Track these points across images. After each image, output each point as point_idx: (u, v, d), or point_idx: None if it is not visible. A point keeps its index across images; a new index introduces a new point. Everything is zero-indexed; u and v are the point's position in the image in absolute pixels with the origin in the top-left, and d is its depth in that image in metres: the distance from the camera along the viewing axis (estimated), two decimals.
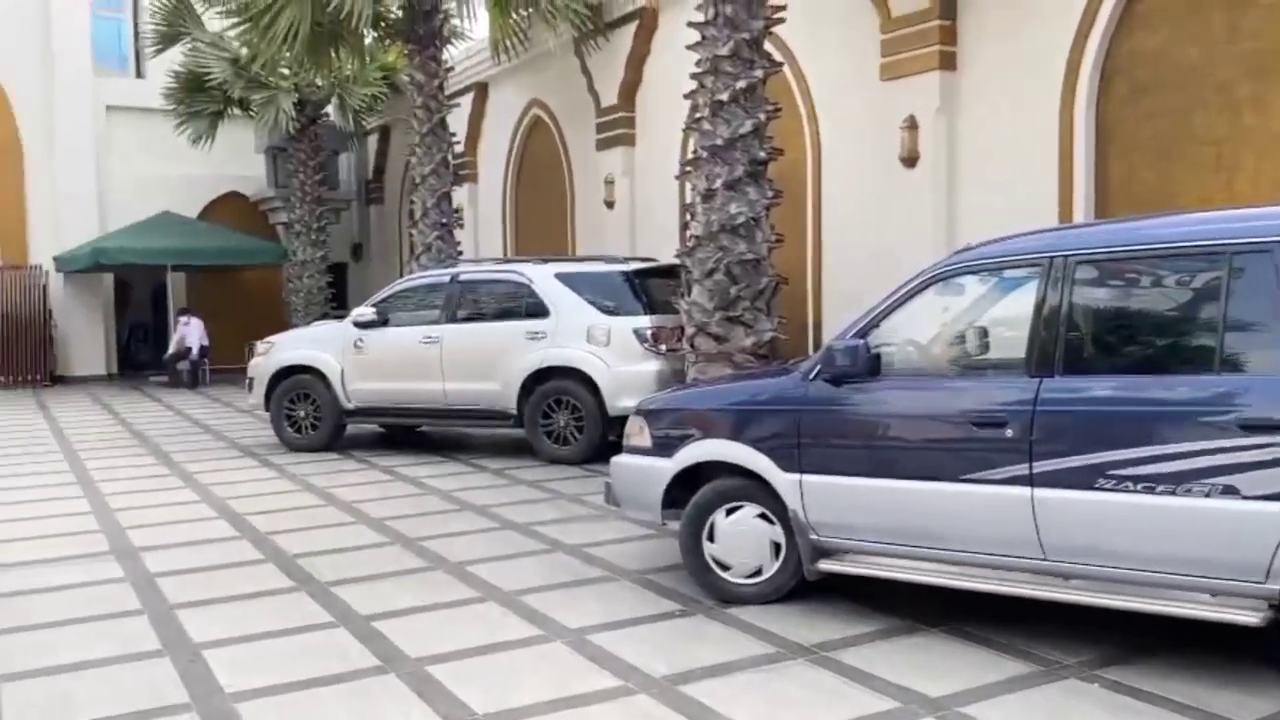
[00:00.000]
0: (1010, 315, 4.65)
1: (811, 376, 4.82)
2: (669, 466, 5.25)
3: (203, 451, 10.68)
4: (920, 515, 4.49)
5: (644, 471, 5.41)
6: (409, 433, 11.10)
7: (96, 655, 4.61)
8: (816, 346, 9.87)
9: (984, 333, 4.80)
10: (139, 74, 20.98)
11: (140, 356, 20.60)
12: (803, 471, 4.78)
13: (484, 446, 10.54)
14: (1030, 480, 4.13)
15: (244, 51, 16.23)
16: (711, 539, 5.11)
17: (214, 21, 16.42)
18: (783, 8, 8.23)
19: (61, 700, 4.12)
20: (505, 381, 9.55)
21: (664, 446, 5.32)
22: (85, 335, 19.48)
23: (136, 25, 21.69)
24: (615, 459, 5.69)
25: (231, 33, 15.41)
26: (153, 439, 11.68)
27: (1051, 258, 4.30)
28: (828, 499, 4.73)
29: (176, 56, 18.00)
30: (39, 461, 10.25)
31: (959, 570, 4.47)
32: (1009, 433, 4.18)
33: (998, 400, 4.31)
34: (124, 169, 19.62)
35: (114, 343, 20.14)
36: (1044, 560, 4.17)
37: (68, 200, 18.91)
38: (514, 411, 9.59)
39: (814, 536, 4.79)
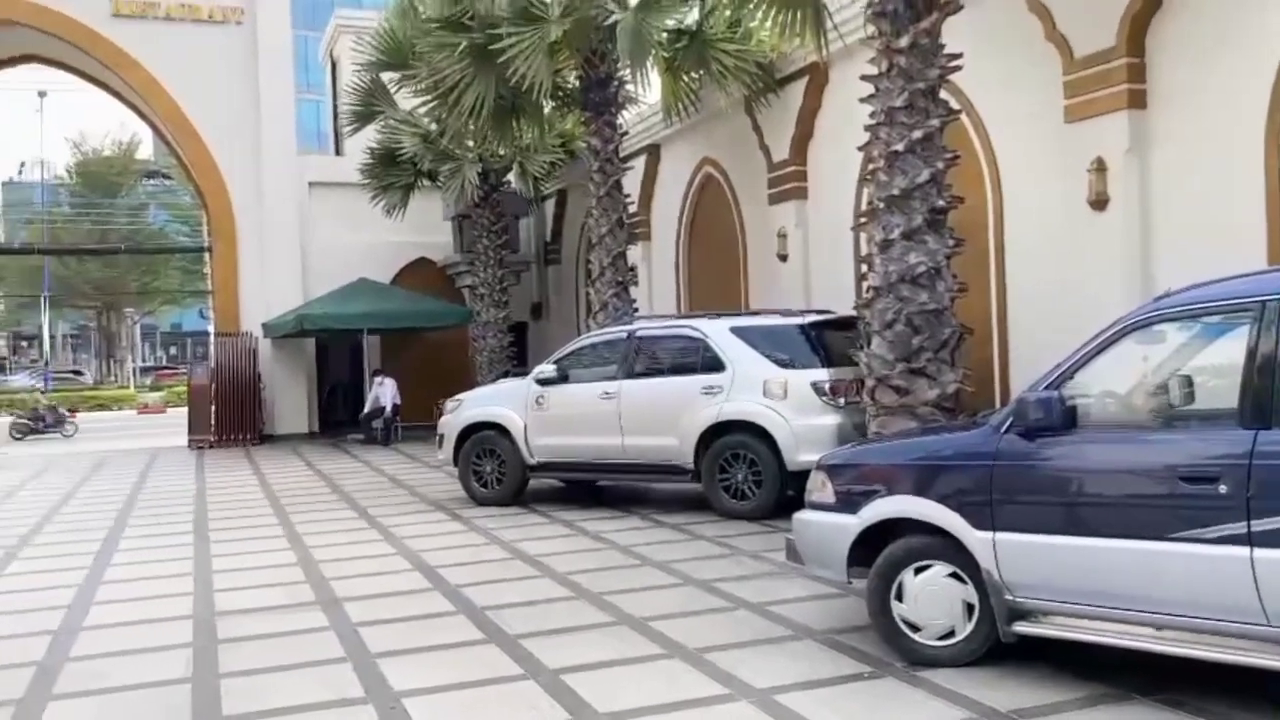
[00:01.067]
0: (1218, 364, 4.39)
1: (1003, 430, 4.67)
2: (853, 523, 5.17)
3: (397, 506, 11.20)
4: (1124, 576, 4.25)
5: (827, 528, 5.34)
6: (589, 487, 11.32)
7: (307, 700, 4.88)
8: (1004, 399, 9.52)
9: (1189, 382, 4.53)
10: (338, 151, 22.56)
11: (339, 415, 21.84)
12: (996, 529, 4.61)
13: (662, 501, 10.63)
14: (1249, 540, 3.85)
15: (433, 126, 17.25)
16: (900, 598, 4.98)
17: (406, 100, 17.53)
18: (958, 55, 8.11)
19: None
20: (682, 436, 9.63)
21: (848, 503, 5.25)
22: (290, 396, 20.84)
23: (335, 106, 23.41)
24: (797, 515, 5.65)
25: (422, 110, 16.41)
26: (351, 494, 12.33)
27: (1264, 302, 4.05)
28: (1023, 558, 4.55)
29: (371, 134, 19.31)
30: (251, 515, 10.99)
31: (1169, 636, 4.20)
32: (1222, 489, 3.93)
33: (1208, 454, 4.06)
34: (324, 240, 21.03)
35: (315, 402, 21.45)
36: (1267, 626, 3.87)
37: (275, 270, 20.39)
38: (691, 466, 9.64)
39: (1009, 597, 4.60)
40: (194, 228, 49.09)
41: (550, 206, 22.01)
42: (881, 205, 8.03)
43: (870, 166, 8.32)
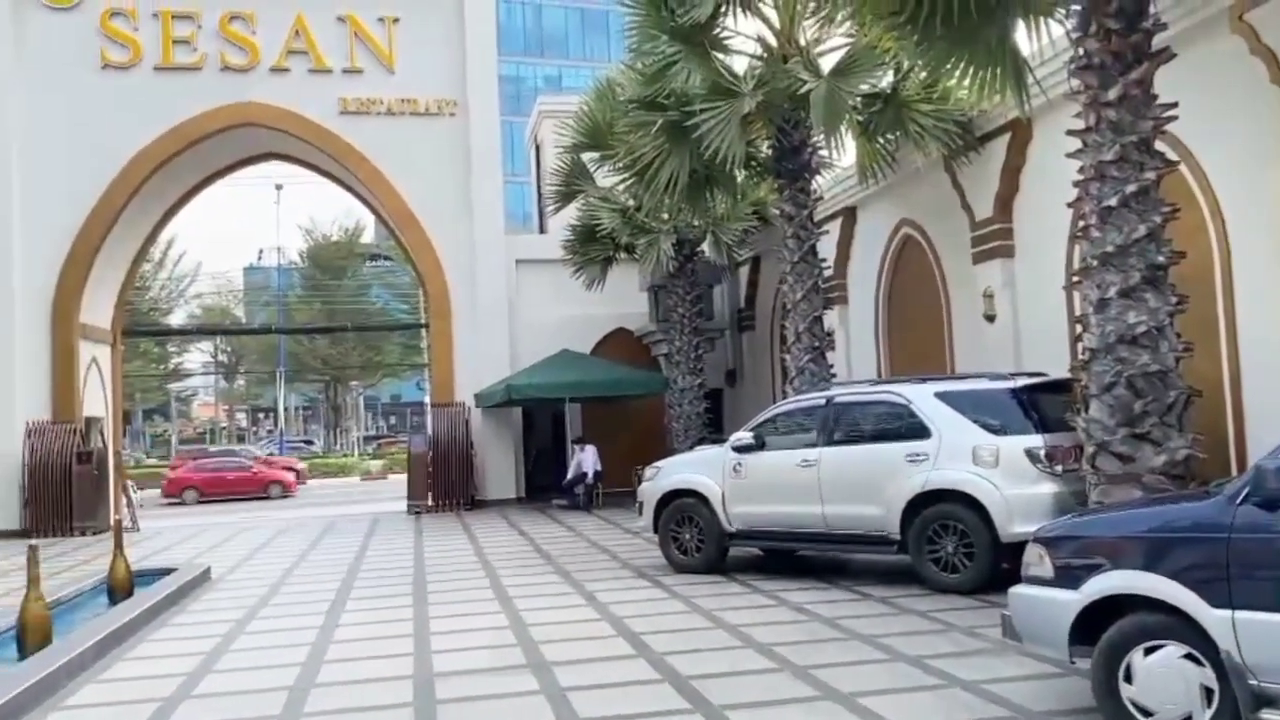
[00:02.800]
0: None
1: (1239, 500, 4.34)
2: (1075, 599, 4.89)
3: (600, 571, 11.40)
4: None
5: (1046, 604, 5.08)
6: (790, 556, 11.17)
7: None
8: (1240, 466, 8.80)
9: None
10: (541, 230, 23.66)
11: (543, 480, 22.51)
12: (1235, 607, 4.27)
13: (866, 572, 10.36)
14: None
15: (630, 202, 17.84)
16: (1129, 680, 4.66)
17: (604, 178, 18.23)
18: (1174, 105, 7.72)
19: None
20: (886, 505, 9.39)
21: (1068, 577, 4.98)
22: (499, 462, 21.69)
23: (539, 187, 24.56)
24: (1013, 590, 5.40)
25: (619, 187, 17.01)
26: (557, 558, 12.65)
27: None
28: (1267, 638, 4.18)
29: (572, 212, 20.16)
30: (465, 577, 11.44)
31: None
32: None
33: None
34: (529, 313, 21.96)
35: (522, 468, 22.23)
36: None
37: (485, 343, 21.42)
38: (896, 536, 9.37)
39: (1253, 681, 4.23)
40: (413, 305, 52.24)
41: (744, 273, 22.19)
42: (1095, 263, 7.68)
43: (1081, 223, 7.99)
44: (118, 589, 10.72)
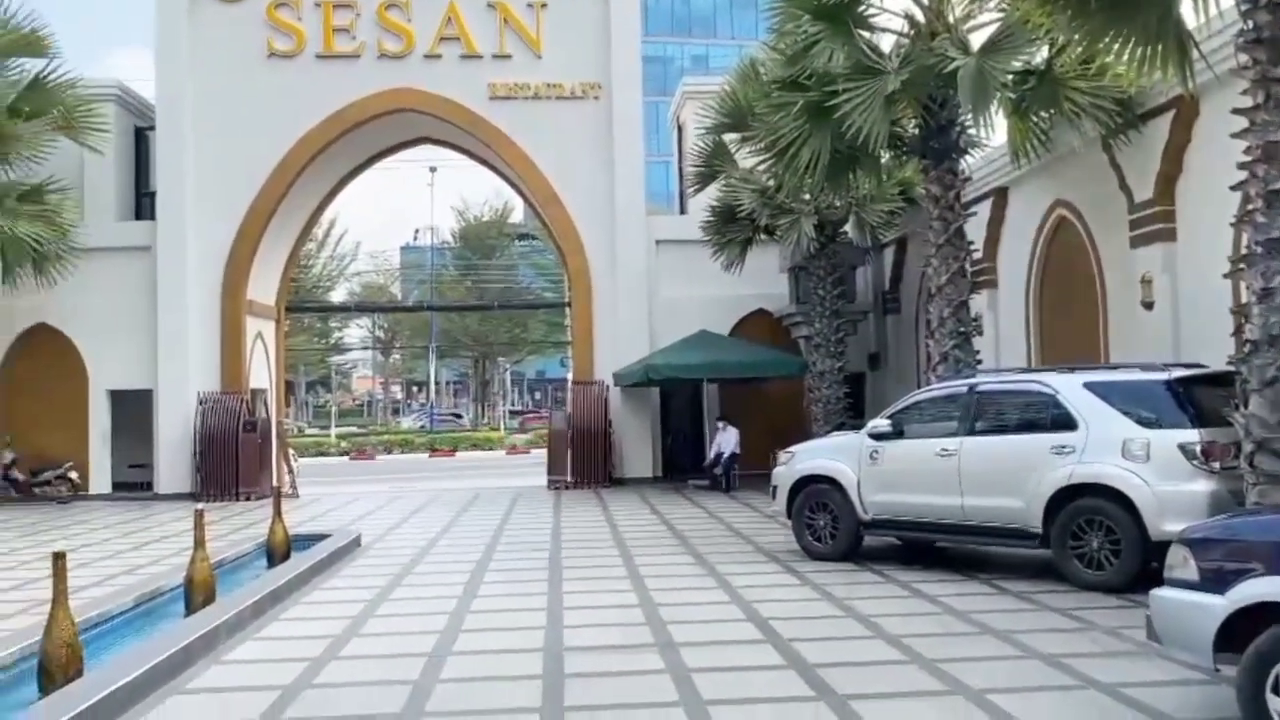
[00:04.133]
0: None
1: None
2: (1220, 605, 4.66)
3: (733, 554, 11.44)
4: None
5: (1190, 608, 4.86)
6: (927, 547, 10.94)
7: None
8: None
9: None
10: (682, 210, 23.68)
11: (680, 461, 22.66)
12: None
13: (1006, 566, 10.06)
14: None
15: (770, 183, 17.67)
16: (1277, 692, 4.42)
17: (745, 159, 18.12)
18: None
19: None
20: (1028, 498, 9.09)
21: (1215, 581, 4.75)
22: (636, 441, 21.95)
23: (680, 168, 24.62)
24: (1155, 592, 5.17)
25: (760, 167, 16.87)
26: (690, 539, 12.76)
27: None
28: None
29: (713, 192, 20.12)
30: (600, 555, 11.67)
31: None
32: None
33: None
34: (668, 294, 22.08)
35: (659, 448, 22.43)
36: None
37: (625, 324, 21.67)
38: (1038, 530, 9.06)
39: None
40: (557, 284, 53.25)
41: (889, 255, 21.72)
42: (1260, 250, 7.22)
43: (1247, 207, 7.52)
44: (276, 552, 11.40)
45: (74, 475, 20.23)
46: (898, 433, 10.35)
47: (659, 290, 22.12)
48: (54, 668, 6.28)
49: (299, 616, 8.62)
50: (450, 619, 8.29)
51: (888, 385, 21.07)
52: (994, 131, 13.65)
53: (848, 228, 19.18)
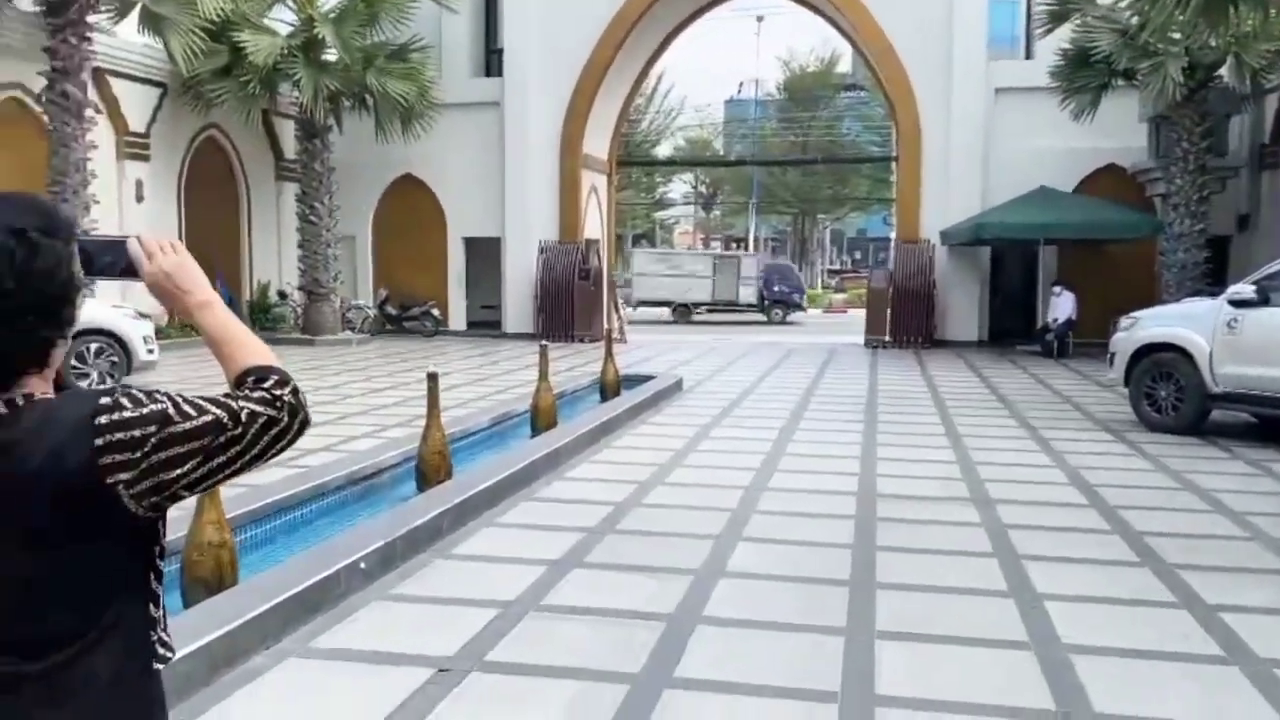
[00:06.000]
0: None
1: None
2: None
3: (1060, 420, 10.98)
4: None
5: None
6: None
7: (949, 583, 5.23)
8: None
9: None
10: (1028, 55, 21.87)
11: (1007, 325, 21.65)
12: None
13: None
14: None
15: (1134, 21, 15.90)
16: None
17: None
18: None
19: (924, 617, 4.79)
20: None
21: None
22: (961, 303, 21.19)
23: (1029, 7, 22.61)
24: None
25: (1122, 4, 15.20)
26: (1014, 403, 12.35)
27: None
28: None
29: (1063, 34, 18.37)
30: (917, 413, 11.60)
31: None
32: None
33: None
34: (1006, 147, 20.69)
35: (986, 311, 21.53)
36: None
37: (956, 179, 20.68)
38: None
39: None
40: (883, 138, 51.31)
41: (1271, 102, 19.01)
42: None
43: None
44: (607, 389, 12.31)
45: (436, 312, 22.59)
46: (1263, 300, 9.36)
47: (995, 143, 20.81)
48: (428, 470, 7.29)
49: (628, 445, 9.34)
50: (766, 459, 8.66)
51: (1257, 250, 18.78)
52: None
53: (1223, 71, 16.94)
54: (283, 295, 21.81)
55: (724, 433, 10.11)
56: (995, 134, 20.83)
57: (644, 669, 4.12)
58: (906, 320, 20.78)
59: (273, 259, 22.26)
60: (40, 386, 1.38)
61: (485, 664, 4.17)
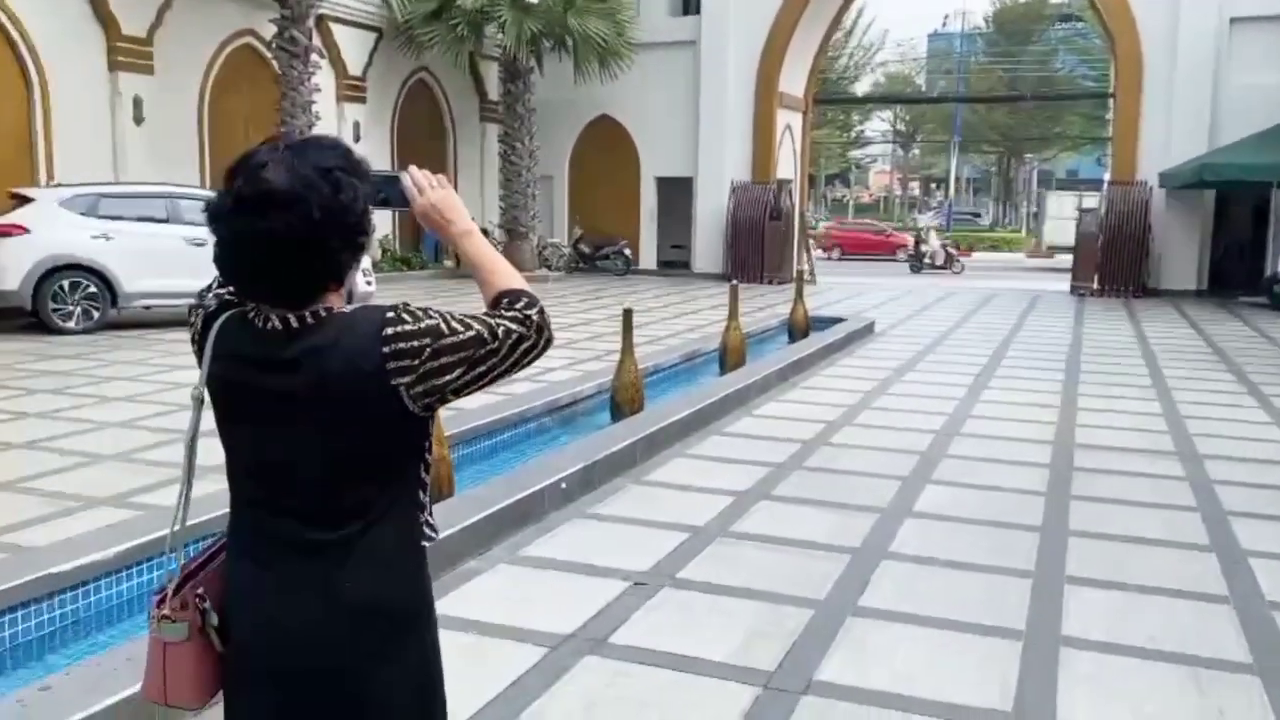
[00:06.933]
0: None
1: None
2: None
3: None
4: None
5: None
6: None
7: (1147, 535, 5.12)
8: None
9: None
10: None
11: (1231, 275, 20.16)
12: None
13: None
14: None
15: None
16: None
17: None
18: None
19: (1118, 565, 4.72)
20: None
21: None
22: (1179, 250, 19.86)
23: None
24: None
25: None
26: (1232, 357, 11.62)
27: None
28: None
29: None
30: (1123, 363, 11.09)
31: None
32: None
33: None
34: (1240, 81, 19.06)
35: (1207, 259, 20.11)
36: None
37: (1180, 116, 19.27)
38: None
39: None
40: (1100, 73, 48.06)
41: None
42: None
43: None
44: (796, 329, 12.36)
45: (627, 251, 23.05)
46: None
47: (1227, 77, 19.22)
48: (622, 401, 7.63)
49: (816, 386, 9.41)
50: (959, 405, 8.55)
51: None
52: None
53: None
54: (485, 233, 22.75)
55: (916, 377, 10.01)
56: (1227, 66, 19.23)
57: (828, 596, 4.28)
58: (1117, 266, 19.70)
59: (476, 198, 23.23)
60: (337, 301, 1.65)
61: (676, 580, 4.43)
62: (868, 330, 13.21)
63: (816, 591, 4.31)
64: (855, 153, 70.99)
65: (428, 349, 1.57)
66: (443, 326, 1.59)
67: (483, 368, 1.61)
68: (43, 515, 4.93)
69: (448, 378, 1.60)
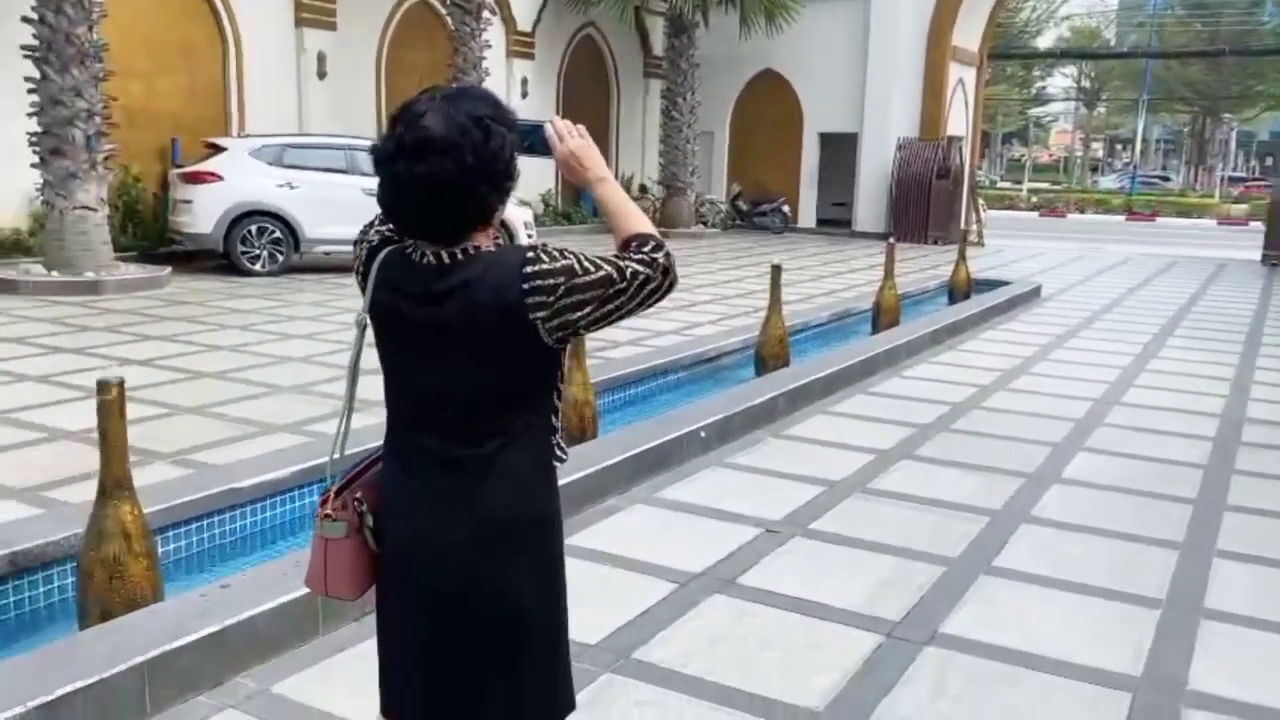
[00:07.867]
0: None
1: None
2: None
3: None
4: None
5: None
6: None
7: None
8: None
9: None
10: None
11: None
12: None
13: None
14: None
15: None
16: None
17: None
18: None
19: (1273, 541, 4.52)
20: None
21: None
22: None
23: None
24: None
25: None
26: None
27: None
28: None
29: None
30: None
31: None
32: None
33: None
34: None
35: None
36: None
37: None
38: None
39: None
40: None
41: None
42: None
43: None
44: (957, 291, 12.07)
45: (786, 209, 22.81)
46: None
47: None
48: (768, 355, 7.68)
49: (973, 350, 9.20)
50: (1123, 373, 8.22)
51: None
52: None
53: None
54: (644, 189, 22.98)
55: (1080, 344, 9.65)
56: None
57: (962, 555, 4.27)
58: None
59: (636, 154, 23.44)
60: (484, 240, 1.81)
61: (808, 530, 4.51)
62: (1033, 294, 12.76)
63: (951, 550, 4.31)
64: (1035, 110, 67.67)
65: (562, 286, 1.71)
66: (576, 266, 1.73)
67: (611, 305, 1.75)
68: (229, 437, 5.41)
69: (580, 314, 1.73)
